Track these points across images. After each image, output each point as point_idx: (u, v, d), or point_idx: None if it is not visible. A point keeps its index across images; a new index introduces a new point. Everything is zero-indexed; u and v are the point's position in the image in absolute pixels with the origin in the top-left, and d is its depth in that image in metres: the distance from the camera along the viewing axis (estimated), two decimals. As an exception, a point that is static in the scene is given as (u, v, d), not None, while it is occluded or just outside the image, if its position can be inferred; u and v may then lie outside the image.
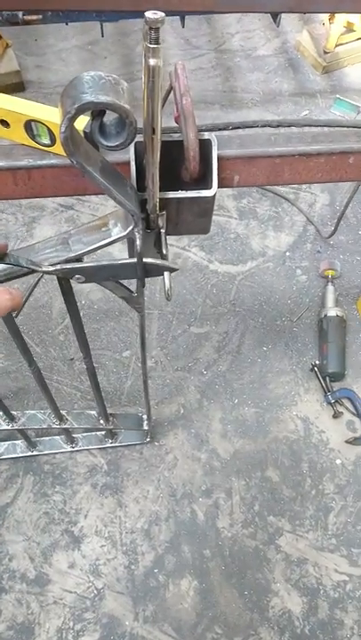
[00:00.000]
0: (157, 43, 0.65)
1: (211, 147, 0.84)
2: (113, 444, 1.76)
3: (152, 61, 0.66)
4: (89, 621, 1.54)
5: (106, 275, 0.91)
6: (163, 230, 0.88)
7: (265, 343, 2.02)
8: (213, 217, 2.19)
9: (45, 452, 1.75)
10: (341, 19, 2.60)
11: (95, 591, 1.58)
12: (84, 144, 0.70)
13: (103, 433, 1.74)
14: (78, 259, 0.89)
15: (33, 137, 0.83)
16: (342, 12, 1.23)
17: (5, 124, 0.82)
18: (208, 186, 0.85)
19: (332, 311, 1.98)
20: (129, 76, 2.76)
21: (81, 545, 1.64)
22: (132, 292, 0.99)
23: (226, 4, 1.16)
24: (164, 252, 0.88)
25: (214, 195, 0.85)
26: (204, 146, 0.84)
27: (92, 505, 1.70)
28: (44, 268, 0.85)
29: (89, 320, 2.03)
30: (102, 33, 2.04)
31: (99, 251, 0.89)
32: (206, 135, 0.82)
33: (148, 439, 1.76)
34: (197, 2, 1.15)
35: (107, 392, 1.88)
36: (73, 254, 0.87)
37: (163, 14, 0.64)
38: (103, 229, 0.86)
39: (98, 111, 0.67)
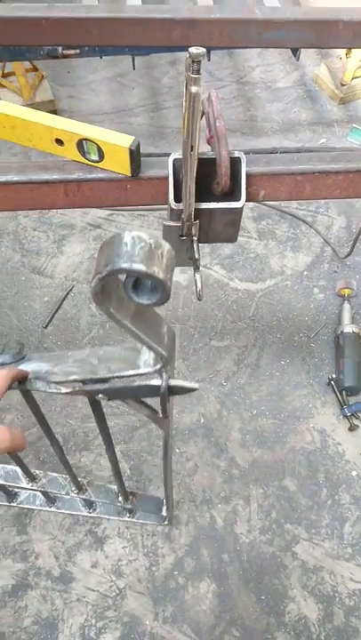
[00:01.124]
0: (198, 73, 0.76)
1: (240, 164, 0.94)
2: (130, 519, 1.62)
3: (193, 89, 0.77)
4: (110, 619, 1.60)
5: (129, 394, 0.88)
6: (195, 238, 0.98)
7: (283, 357, 2.09)
8: (234, 237, 2.28)
9: (62, 511, 1.62)
10: (358, 53, 2.74)
11: (117, 590, 1.64)
12: (117, 293, 0.66)
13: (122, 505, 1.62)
14: (105, 380, 0.85)
15: (83, 154, 0.94)
16: (358, 47, 1.35)
17: (60, 142, 0.93)
18: (237, 198, 0.95)
19: (349, 328, 2.05)
20: (155, 106, 2.92)
21: (104, 546, 1.70)
22: (158, 412, 0.94)
23: (251, 40, 1.28)
24: (197, 257, 0.97)
25: (243, 206, 0.95)
26: (234, 163, 0.94)
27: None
28: (64, 390, 0.83)
29: (115, 332, 2.13)
30: (134, 66, 2.20)
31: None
32: (236, 154, 0.93)
33: (166, 523, 1.62)
34: (225, 38, 1.27)
35: (130, 400, 1.96)
36: (97, 376, 0.84)
37: (204, 50, 0.75)
38: (132, 360, 0.84)
39: None
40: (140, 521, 1.64)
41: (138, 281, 0.64)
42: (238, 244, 2.39)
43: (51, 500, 1.63)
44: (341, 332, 2.05)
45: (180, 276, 2.29)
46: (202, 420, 1.94)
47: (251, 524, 1.75)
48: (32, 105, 2.67)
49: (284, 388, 2.01)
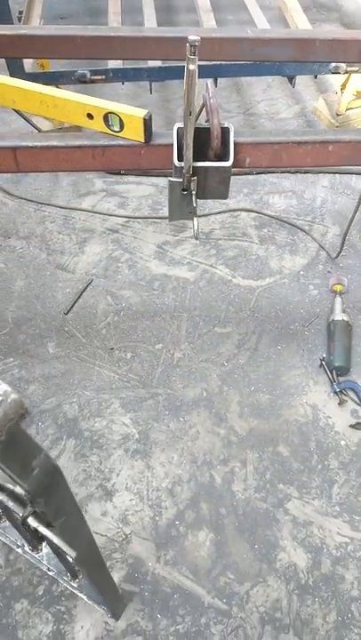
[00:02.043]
0: (195, 55, 1.04)
1: (229, 134, 1.21)
2: (82, 594, 1.53)
3: (191, 67, 1.04)
4: (117, 560, 1.76)
5: None
6: (194, 192, 1.23)
7: (280, 343, 2.31)
8: (238, 241, 2.59)
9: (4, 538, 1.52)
10: (351, 87, 3.08)
11: (123, 536, 1.81)
12: None
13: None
14: None
15: (108, 126, 1.22)
16: (333, 61, 1.63)
17: (90, 116, 1.21)
18: (227, 159, 1.21)
19: (339, 316, 2.27)
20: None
21: (113, 498, 1.88)
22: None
23: (245, 54, 1.58)
24: (195, 205, 1.22)
25: (231, 165, 1.21)
26: (225, 133, 1.21)
27: (123, 466, 1.95)
28: None
29: (128, 319, 2.37)
30: (151, 91, 2.54)
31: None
32: (226, 124, 1.20)
33: (109, 615, 1.59)
34: (224, 53, 1.58)
35: (140, 375, 2.18)
36: None
37: (199, 37, 1.03)
38: None
39: None
40: (90, 602, 1.57)
41: None
42: (241, 248, 2.66)
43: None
44: (333, 319, 2.27)
45: (188, 273, 2.55)
46: (204, 394, 2.15)
47: (247, 483, 1.92)
48: (61, 129, 3.02)
49: (280, 369, 2.22)
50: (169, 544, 1.79)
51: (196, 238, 1.21)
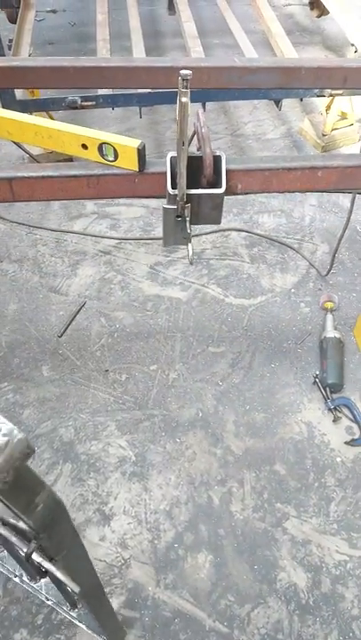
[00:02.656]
0: (187, 88, 1.07)
1: (221, 161, 1.24)
2: (81, 623, 1.47)
3: (183, 99, 1.08)
4: (116, 586, 1.74)
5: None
6: (188, 218, 1.26)
7: (273, 361, 2.33)
8: (229, 261, 2.62)
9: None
10: (336, 108, 3.16)
11: (122, 560, 1.79)
12: None
13: None
14: None
15: (103, 155, 1.25)
16: (318, 87, 1.68)
17: (85, 147, 1.24)
18: (219, 187, 1.24)
19: (331, 333, 2.30)
20: (159, 155, 3.31)
21: (111, 522, 1.87)
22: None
23: (233, 82, 1.62)
24: (189, 232, 1.25)
25: (223, 193, 1.24)
26: (216, 160, 1.24)
27: (121, 489, 1.95)
28: None
29: (122, 340, 2.38)
30: (140, 115, 2.59)
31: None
32: (218, 152, 1.23)
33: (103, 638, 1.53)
34: (213, 81, 1.62)
35: (135, 397, 2.19)
36: None
37: (190, 72, 1.06)
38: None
39: None
40: (89, 630, 1.51)
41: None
42: (232, 267, 2.69)
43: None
44: (325, 337, 2.30)
45: (181, 293, 2.57)
46: (200, 415, 2.15)
47: (244, 503, 1.92)
48: (51, 154, 3.05)
49: (275, 387, 2.24)
50: (168, 567, 1.78)
51: (191, 263, 1.24)
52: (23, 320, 2.46)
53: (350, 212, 2.19)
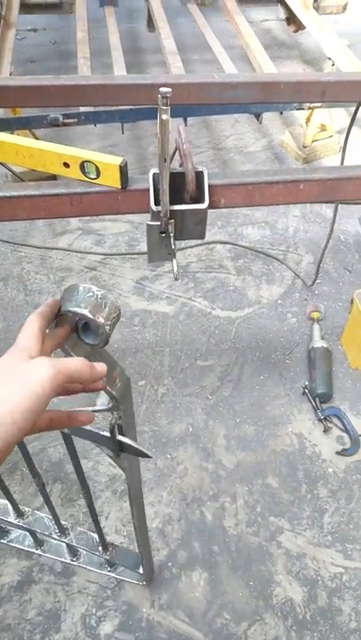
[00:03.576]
0: (167, 105, 1.07)
1: (203, 177, 1.24)
2: (110, 573, 1.74)
3: (164, 116, 1.08)
4: (110, 608, 1.71)
5: (89, 437, 1.04)
6: (172, 234, 1.26)
7: (262, 373, 2.32)
8: (215, 273, 2.62)
9: (48, 555, 1.76)
10: (315, 120, 3.20)
11: (115, 582, 1.76)
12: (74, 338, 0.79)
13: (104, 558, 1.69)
14: None
15: (85, 173, 1.24)
16: (296, 101, 1.72)
17: (67, 165, 1.23)
18: (202, 201, 1.24)
19: (319, 343, 2.31)
20: (142, 170, 3.33)
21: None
22: (119, 454, 1.06)
23: (213, 97, 1.63)
24: (173, 247, 1.25)
25: (206, 208, 1.24)
26: (199, 176, 1.24)
27: (112, 508, 1.92)
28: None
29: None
30: (122, 130, 2.60)
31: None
32: (200, 168, 1.23)
33: (144, 582, 1.74)
34: (193, 97, 1.63)
35: (125, 413, 2.16)
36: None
37: (170, 89, 1.06)
38: (92, 400, 0.96)
39: None
40: (120, 577, 1.74)
41: (87, 324, 0.76)
42: (218, 280, 2.69)
43: (38, 542, 1.73)
44: (313, 347, 2.30)
45: (168, 307, 2.57)
46: (190, 429, 2.14)
47: (238, 518, 1.90)
48: (34, 171, 3.04)
49: (264, 399, 2.23)
50: (162, 587, 1.75)
51: (176, 279, 1.23)
52: (9, 339, 2.43)
53: (333, 222, 2.21)
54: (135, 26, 4.61)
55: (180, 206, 1.23)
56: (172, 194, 1.22)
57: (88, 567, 1.74)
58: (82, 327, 0.77)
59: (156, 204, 1.23)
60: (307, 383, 2.23)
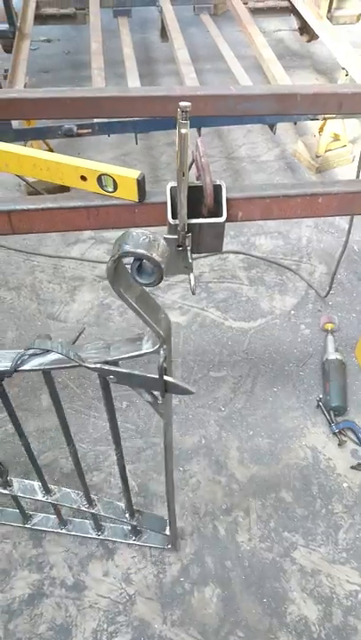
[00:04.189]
0: (186, 120, 1.07)
1: (221, 190, 1.23)
2: (135, 542, 1.81)
3: (183, 130, 1.07)
4: (121, 624, 1.69)
5: (134, 382, 1.10)
6: (189, 248, 1.25)
7: (275, 385, 2.30)
8: (228, 284, 2.61)
9: (73, 533, 1.83)
10: (329, 130, 3.19)
11: (127, 597, 1.74)
12: (127, 277, 0.91)
13: (128, 528, 1.81)
14: (115, 362, 1.08)
15: (102, 186, 1.24)
16: (313, 114, 1.70)
17: (84, 178, 1.23)
18: (220, 215, 1.23)
19: (333, 355, 2.28)
20: (155, 179, 3.33)
21: (114, 556, 1.82)
22: (158, 398, 1.14)
23: (230, 109, 1.63)
24: (190, 261, 1.24)
25: (224, 221, 1.23)
26: (217, 190, 1.23)
27: (124, 521, 1.90)
28: (87, 364, 1.06)
29: (122, 366, 2.35)
30: (136, 141, 2.61)
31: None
32: (218, 182, 1.22)
33: (169, 545, 1.80)
34: (210, 109, 1.62)
35: (137, 425, 2.15)
36: (110, 358, 1.08)
37: (190, 104, 1.06)
38: (137, 343, 1.08)
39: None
40: (146, 544, 1.81)
41: (140, 267, 0.89)
42: (231, 290, 2.68)
43: (63, 522, 1.79)
44: (327, 359, 2.28)
45: (180, 317, 2.56)
46: (203, 441, 2.12)
47: (251, 533, 1.88)
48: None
49: (278, 411, 2.21)
50: (175, 603, 1.73)
51: (193, 293, 1.22)
52: (22, 348, 2.43)
53: (349, 233, 2.19)
54: (148, 36, 4.64)
55: (197, 220, 1.22)
56: (190, 207, 1.21)
57: (113, 539, 1.82)
58: (136, 269, 0.89)
59: (173, 218, 1.22)
60: (321, 396, 2.20)
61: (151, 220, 1.27)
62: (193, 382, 2.31)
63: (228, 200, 1.25)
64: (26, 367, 1.11)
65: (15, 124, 2.42)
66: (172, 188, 1.22)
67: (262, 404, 2.23)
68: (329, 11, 3.47)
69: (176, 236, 1.23)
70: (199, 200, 1.24)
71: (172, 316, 2.55)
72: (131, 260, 0.89)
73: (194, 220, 1.22)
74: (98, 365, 1.08)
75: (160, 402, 1.15)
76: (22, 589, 1.76)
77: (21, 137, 2.36)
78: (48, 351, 1.08)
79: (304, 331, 2.51)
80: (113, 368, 1.09)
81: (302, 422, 2.17)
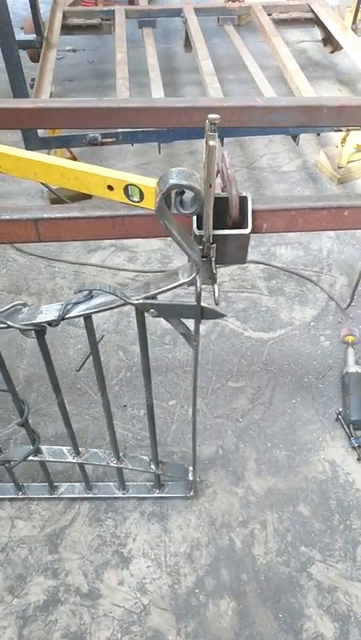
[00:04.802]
0: (215, 132, 1.07)
1: (247, 201, 1.23)
2: (159, 495, 1.93)
3: (211, 142, 1.08)
4: (135, 634, 1.68)
5: (172, 312, 1.23)
6: (213, 258, 1.25)
7: (294, 397, 2.28)
8: (247, 293, 2.60)
9: (99, 496, 1.94)
10: (351, 141, 3.18)
11: (141, 607, 1.73)
12: (169, 213, 1.05)
13: (152, 484, 1.94)
14: (154, 297, 1.21)
15: (128, 196, 1.25)
16: (338, 126, 1.70)
17: (111, 188, 1.24)
18: (245, 227, 1.23)
19: (353, 368, 2.26)
20: (176, 187, 3.34)
21: (129, 565, 1.82)
22: (191, 330, 1.30)
23: (255, 120, 1.63)
24: (214, 272, 1.24)
25: (249, 233, 1.23)
26: (242, 201, 1.23)
27: (140, 530, 1.90)
28: (131, 301, 1.18)
29: (140, 374, 2.35)
30: (159, 150, 2.62)
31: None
32: (244, 193, 1.22)
33: (191, 493, 1.92)
34: (235, 120, 1.63)
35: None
36: (151, 293, 1.20)
37: (218, 116, 1.06)
38: (174, 277, 1.19)
39: (180, 191, 1.04)
40: (169, 495, 1.94)
41: (182, 201, 1.05)
42: (251, 300, 2.67)
43: (89, 486, 1.91)
44: (347, 372, 2.25)
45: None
46: (220, 452, 2.11)
47: (267, 547, 1.86)
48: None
49: (296, 424, 2.19)
50: (189, 615, 1.72)
51: (217, 304, 1.22)
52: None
53: (371, 245, 2.17)
54: (171, 46, 4.68)
55: (222, 231, 1.22)
56: (214, 218, 1.21)
57: (138, 495, 1.95)
58: (179, 202, 1.04)
59: (198, 229, 1.22)
60: (340, 409, 2.18)
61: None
62: (211, 392, 2.30)
63: (253, 212, 1.25)
64: (73, 314, 1.21)
65: (41, 132, 2.45)
66: (197, 199, 1.22)
67: (281, 415, 2.22)
68: (353, 22, 3.47)
69: (201, 247, 1.23)
70: (224, 211, 1.25)
71: (191, 325, 2.55)
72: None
73: (219, 231, 1.22)
74: (140, 301, 1.19)
75: (193, 333, 1.30)
76: (37, 595, 1.76)
77: (47, 145, 2.39)
78: (92, 297, 1.19)
79: (324, 343, 2.49)
80: (154, 302, 1.21)
81: (321, 435, 2.15)
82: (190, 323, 1.32)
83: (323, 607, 1.73)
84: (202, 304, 1.19)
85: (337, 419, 2.17)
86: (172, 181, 0.98)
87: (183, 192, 1.04)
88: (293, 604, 1.74)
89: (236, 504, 1.96)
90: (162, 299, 1.22)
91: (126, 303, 1.18)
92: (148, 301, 1.20)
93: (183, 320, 1.28)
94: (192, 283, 1.15)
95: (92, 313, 1.22)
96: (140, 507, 1.95)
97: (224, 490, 2.00)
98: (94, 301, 1.19)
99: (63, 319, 1.21)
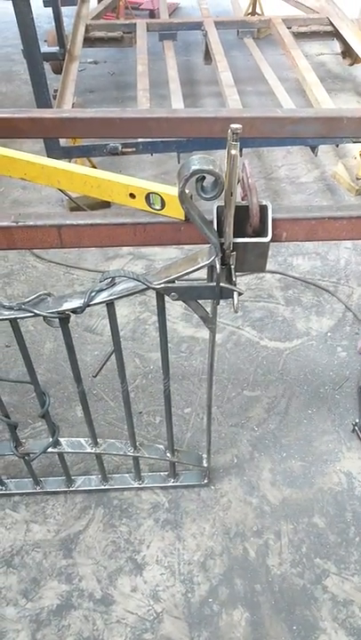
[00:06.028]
0: (237, 141, 1.09)
1: (267, 210, 1.25)
2: (174, 484, 1.99)
3: (233, 151, 1.09)
4: (148, 641, 1.68)
5: (192, 294, 1.28)
6: (233, 266, 1.26)
7: (310, 407, 2.27)
8: (264, 303, 2.61)
9: (116, 487, 2.00)
10: (370, 153, 3.18)
11: (154, 614, 1.73)
12: (191, 200, 1.12)
13: (166, 473, 1.99)
14: (174, 281, 1.27)
15: (150, 204, 1.27)
16: (358, 137, 1.71)
17: (133, 196, 1.26)
18: (265, 236, 1.24)
19: (370, 380, 2.24)
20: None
21: (143, 572, 1.82)
22: (209, 313, 1.34)
23: (275, 131, 1.65)
24: (234, 279, 1.25)
25: (269, 241, 1.24)
26: (262, 210, 1.24)
27: (154, 537, 1.90)
28: (153, 285, 1.23)
29: (156, 382, 2.37)
30: (178, 160, 2.65)
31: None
32: (264, 202, 1.24)
33: (205, 480, 1.98)
34: (256, 130, 1.65)
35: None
36: (172, 277, 1.25)
37: (241, 126, 1.08)
38: (194, 261, 1.25)
39: (200, 177, 1.10)
40: (184, 483, 2.00)
41: (203, 187, 1.10)
42: (267, 309, 2.67)
43: (105, 478, 1.95)
44: (363, 383, 2.24)
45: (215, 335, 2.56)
46: (235, 461, 2.10)
47: (282, 557, 1.84)
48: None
49: (312, 434, 2.17)
50: (202, 624, 1.71)
51: (236, 311, 1.23)
52: (59, 359, 2.48)
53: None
54: (191, 59, 4.74)
55: (243, 239, 1.24)
56: (234, 226, 1.22)
57: (154, 485, 1.99)
58: (200, 188, 1.09)
59: (220, 236, 1.23)
60: (357, 420, 2.16)
61: (195, 237, 1.28)
62: (227, 400, 2.30)
63: (273, 220, 1.26)
64: (97, 300, 1.26)
65: (63, 141, 2.50)
66: (218, 207, 1.24)
67: (296, 425, 2.21)
68: (373, 35, 3.48)
69: (221, 255, 1.24)
70: (244, 219, 1.26)
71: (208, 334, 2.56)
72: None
73: (239, 240, 1.23)
74: (162, 285, 1.25)
75: (210, 316, 1.37)
76: (51, 599, 1.77)
77: (68, 154, 2.43)
78: (114, 284, 1.23)
79: (340, 353, 2.48)
80: (175, 285, 1.26)
81: (337, 446, 2.13)
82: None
83: (338, 620, 1.71)
84: (223, 284, 1.25)
85: (353, 430, 2.15)
86: (194, 167, 1.04)
87: (204, 178, 1.09)
88: (308, 617, 1.72)
89: (250, 513, 1.95)
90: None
91: (149, 287, 1.24)
92: (170, 285, 1.25)
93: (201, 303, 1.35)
94: (212, 264, 1.21)
95: (116, 299, 1.26)
96: (155, 514, 1.95)
97: (238, 499, 1.99)
98: (117, 288, 1.24)
99: (88, 306, 1.25)
